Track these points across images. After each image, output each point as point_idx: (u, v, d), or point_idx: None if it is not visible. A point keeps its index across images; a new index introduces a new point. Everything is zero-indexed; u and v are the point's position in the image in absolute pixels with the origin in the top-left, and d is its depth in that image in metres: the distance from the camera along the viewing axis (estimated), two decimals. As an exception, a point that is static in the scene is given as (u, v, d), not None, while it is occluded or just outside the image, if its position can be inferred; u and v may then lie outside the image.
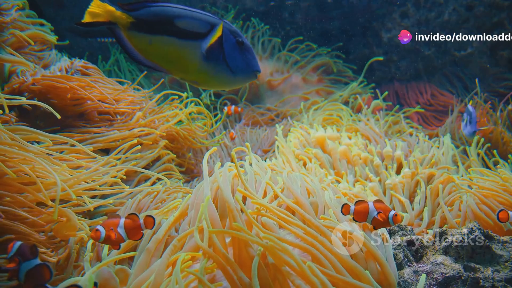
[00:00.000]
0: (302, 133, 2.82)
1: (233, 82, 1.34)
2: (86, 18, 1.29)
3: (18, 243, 1.18)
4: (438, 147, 2.69)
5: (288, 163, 2.39)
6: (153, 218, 1.44)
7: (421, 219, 2.17)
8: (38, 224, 1.63)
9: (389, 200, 2.31)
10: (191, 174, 3.10)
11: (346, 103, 3.87)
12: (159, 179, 2.33)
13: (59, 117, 1.95)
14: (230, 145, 3.61)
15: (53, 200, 1.60)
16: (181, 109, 2.92)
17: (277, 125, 2.88)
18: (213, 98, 4.33)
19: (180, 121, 2.94)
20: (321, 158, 2.54)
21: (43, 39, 2.68)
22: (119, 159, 2.22)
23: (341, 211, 1.50)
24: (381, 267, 1.34)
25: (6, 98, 1.84)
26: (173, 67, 1.33)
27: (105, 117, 2.52)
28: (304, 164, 2.47)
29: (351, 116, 3.25)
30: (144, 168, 2.43)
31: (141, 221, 1.42)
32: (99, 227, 1.37)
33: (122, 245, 1.49)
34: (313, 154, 2.54)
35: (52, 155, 1.82)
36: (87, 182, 1.83)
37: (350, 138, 2.78)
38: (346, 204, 1.50)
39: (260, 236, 1.25)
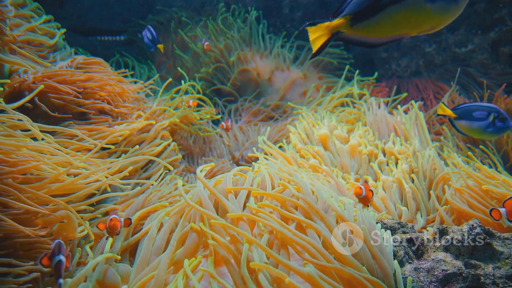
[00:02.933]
0: (306, 126, 2.83)
1: (459, 8, 1.39)
2: (315, 47, 1.44)
3: (56, 241, 1.36)
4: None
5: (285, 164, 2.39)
6: (130, 220, 1.62)
7: (421, 216, 2.17)
8: (37, 225, 1.64)
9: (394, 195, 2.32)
10: (191, 160, 3.22)
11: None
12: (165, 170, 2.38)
13: (54, 114, 1.97)
14: (232, 143, 3.61)
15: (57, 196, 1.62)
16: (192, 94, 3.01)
17: (261, 133, 2.85)
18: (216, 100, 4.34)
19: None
20: (323, 156, 2.54)
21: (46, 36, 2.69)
22: (122, 154, 2.23)
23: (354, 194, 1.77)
24: (376, 260, 1.34)
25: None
26: (409, 28, 1.41)
27: (106, 117, 2.51)
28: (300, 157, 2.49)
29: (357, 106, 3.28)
30: (145, 164, 2.46)
31: (121, 219, 1.57)
32: (118, 217, 1.51)
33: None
34: (315, 152, 2.54)
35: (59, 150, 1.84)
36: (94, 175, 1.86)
37: (350, 131, 2.81)
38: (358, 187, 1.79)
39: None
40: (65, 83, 2.32)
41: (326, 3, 5.10)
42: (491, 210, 1.74)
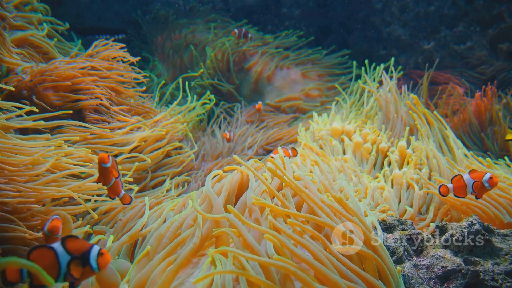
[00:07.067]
0: (317, 126, 2.89)
1: None
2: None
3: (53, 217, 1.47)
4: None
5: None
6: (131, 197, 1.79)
7: (422, 214, 2.18)
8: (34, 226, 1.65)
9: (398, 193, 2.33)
10: (196, 158, 3.33)
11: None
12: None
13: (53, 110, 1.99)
14: (235, 143, 3.63)
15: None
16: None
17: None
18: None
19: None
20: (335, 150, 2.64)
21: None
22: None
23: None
24: (382, 260, 1.34)
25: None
26: None
27: (103, 117, 2.51)
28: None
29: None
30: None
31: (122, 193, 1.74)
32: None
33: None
34: (332, 146, 2.62)
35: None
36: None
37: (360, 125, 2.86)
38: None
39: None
40: (64, 80, 2.32)
41: (325, 1, 5.10)
42: (440, 187, 1.80)
